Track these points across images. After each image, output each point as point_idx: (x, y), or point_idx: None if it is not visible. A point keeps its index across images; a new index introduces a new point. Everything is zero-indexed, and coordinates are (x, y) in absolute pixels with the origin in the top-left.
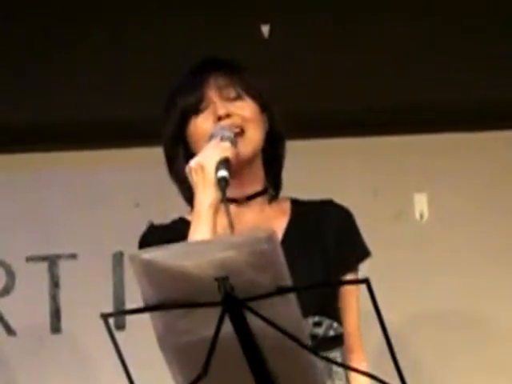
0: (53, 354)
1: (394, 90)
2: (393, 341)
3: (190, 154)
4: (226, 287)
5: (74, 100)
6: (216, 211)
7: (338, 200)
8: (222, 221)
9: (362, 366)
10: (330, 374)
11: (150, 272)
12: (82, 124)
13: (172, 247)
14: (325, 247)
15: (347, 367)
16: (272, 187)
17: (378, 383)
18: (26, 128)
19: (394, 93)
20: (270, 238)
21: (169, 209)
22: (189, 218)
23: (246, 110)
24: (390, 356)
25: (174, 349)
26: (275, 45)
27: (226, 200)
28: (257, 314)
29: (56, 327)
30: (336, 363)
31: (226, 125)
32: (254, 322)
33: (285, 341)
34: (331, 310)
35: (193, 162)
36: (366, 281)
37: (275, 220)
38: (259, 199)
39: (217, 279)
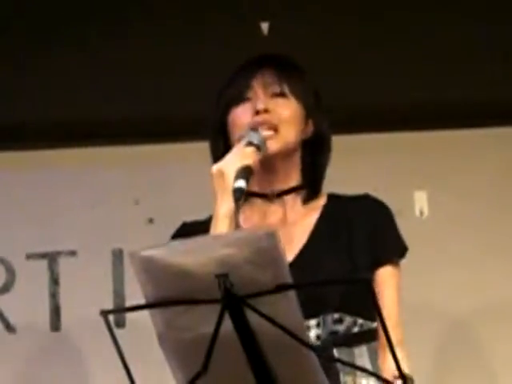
0: (52, 352)
1: (394, 88)
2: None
3: (228, 145)
4: (225, 284)
5: (74, 98)
6: (232, 220)
7: None
8: (253, 215)
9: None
10: (353, 370)
11: (150, 269)
12: (82, 122)
13: (172, 244)
14: (355, 242)
15: (348, 364)
16: (308, 189)
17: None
18: (25, 126)
19: (393, 91)
20: (271, 235)
21: (168, 206)
22: None
23: (285, 109)
24: (390, 351)
25: (174, 346)
26: (274, 42)
27: (238, 211)
28: (256, 310)
29: (56, 324)
30: (336, 361)
31: (258, 123)
32: (253, 319)
33: (284, 338)
34: (354, 306)
35: (214, 168)
36: (366, 280)
37: (305, 217)
38: (291, 196)
39: (217, 276)
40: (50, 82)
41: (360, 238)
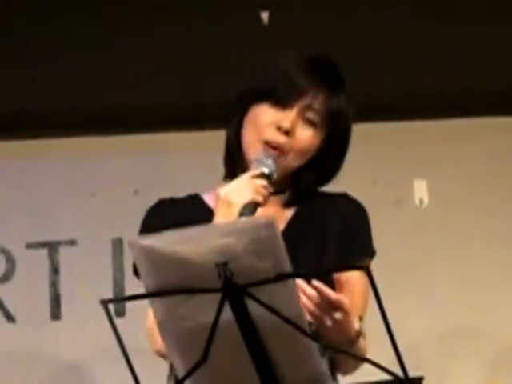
0: (52, 341)
1: (393, 76)
2: (392, 326)
3: (239, 128)
4: (225, 273)
5: (75, 87)
6: None
7: (337, 187)
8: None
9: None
10: None
11: (150, 258)
12: (82, 111)
13: (172, 233)
14: (326, 241)
15: (345, 352)
16: (293, 197)
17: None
18: (26, 115)
19: (392, 79)
20: (270, 224)
21: (168, 195)
22: (205, 197)
23: (307, 140)
24: (390, 341)
25: (174, 335)
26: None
27: None
28: (256, 299)
29: (56, 314)
30: (335, 349)
31: (272, 147)
32: (253, 307)
33: (284, 326)
34: None
35: (222, 193)
36: (365, 268)
37: (282, 212)
38: (275, 196)
39: (217, 265)
40: (49, 70)
41: (332, 236)
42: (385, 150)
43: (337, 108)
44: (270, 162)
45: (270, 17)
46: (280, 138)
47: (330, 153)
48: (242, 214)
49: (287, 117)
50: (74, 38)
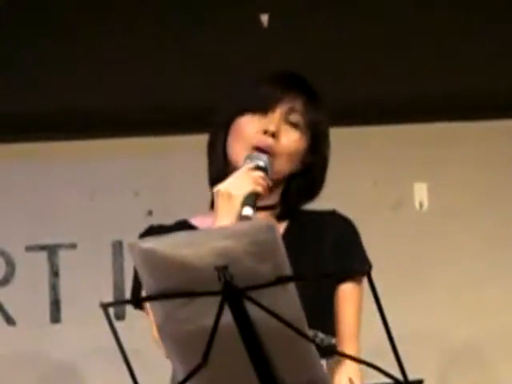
0: (52, 344)
1: (393, 80)
2: (392, 329)
3: (225, 145)
4: (225, 276)
5: (74, 89)
6: None
7: (338, 188)
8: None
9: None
10: None
11: (150, 261)
12: (81, 113)
13: (172, 236)
14: (318, 258)
15: (346, 356)
16: (283, 211)
17: (377, 372)
18: (26, 117)
19: (392, 82)
20: (270, 227)
21: (168, 198)
22: (193, 222)
23: (293, 142)
24: (390, 344)
25: (174, 338)
26: (274, 34)
27: None
28: (256, 303)
29: (55, 317)
30: (336, 353)
31: (260, 147)
32: (253, 311)
33: (284, 330)
34: (316, 320)
35: (222, 187)
36: (365, 272)
37: None
38: (264, 212)
39: (216, 268)
40: (48, 73)
41: (324, 252)
42: (385, 153)
43: (318, 115)
44: (264, 157)
45: (270, 19)
46: (268, 139)
47: (314, 163)
48: (244, 204)
49: (271, 120)
50: (74, 39)
